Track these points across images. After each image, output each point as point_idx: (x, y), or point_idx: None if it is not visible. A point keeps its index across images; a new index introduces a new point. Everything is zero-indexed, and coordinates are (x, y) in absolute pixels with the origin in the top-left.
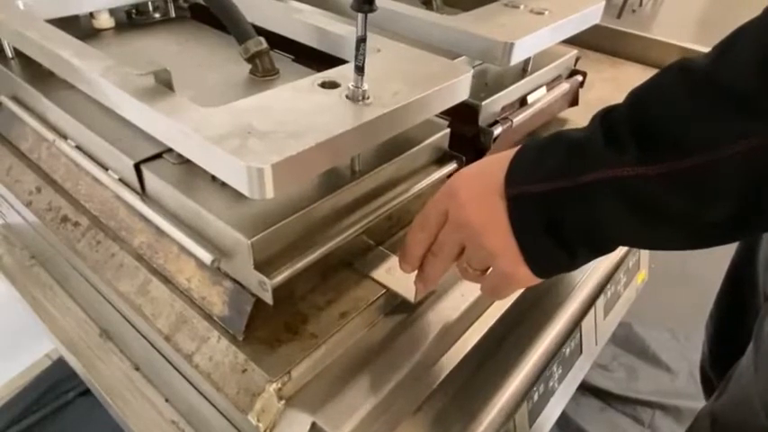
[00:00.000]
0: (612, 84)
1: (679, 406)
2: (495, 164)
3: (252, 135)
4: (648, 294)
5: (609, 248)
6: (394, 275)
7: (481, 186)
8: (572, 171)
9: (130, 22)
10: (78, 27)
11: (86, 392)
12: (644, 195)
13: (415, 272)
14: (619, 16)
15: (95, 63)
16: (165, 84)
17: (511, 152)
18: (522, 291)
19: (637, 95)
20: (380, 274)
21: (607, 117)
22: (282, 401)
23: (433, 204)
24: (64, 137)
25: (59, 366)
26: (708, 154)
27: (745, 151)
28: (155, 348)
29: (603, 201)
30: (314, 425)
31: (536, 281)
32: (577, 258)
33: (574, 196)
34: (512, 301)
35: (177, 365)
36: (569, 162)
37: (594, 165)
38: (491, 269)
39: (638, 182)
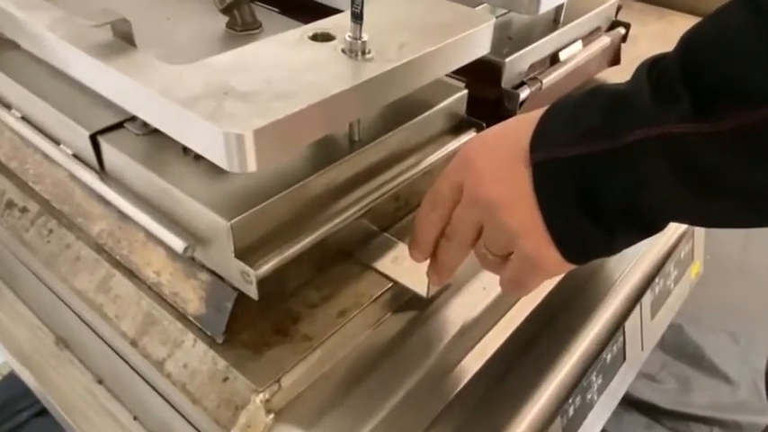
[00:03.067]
0: (660, 39)
1: (740, 422)
2: (520, 125)
3: (229, 96)
4: (704, 291)
5: (656, 226)
6: (402, 266)
7: (502, 152)
8: (612, 130)
9: None
10: None
11: (42, 412)
12: (701, 157)
13: (428, 261)
14: None
15: (41, 14)
16: (124, 37)
17: (539, 112)
18: (552, 284)
19: (690, 39)
20: (385, 264)
21: (655, 66)
22: (271, 415)
23: (445, 177)
24: (7, 106)
25: (11, 382)
26: None
27: None
28: (120, 356)
29: (651, 164)
30: None
31: (567, 268)
32: (617, 239)
33: (614, 160)
34: (542, 297)
35: (146, 376)
36: (609, 120)
37: (640, 121)
38: (513, 254)
39: (694, 140)
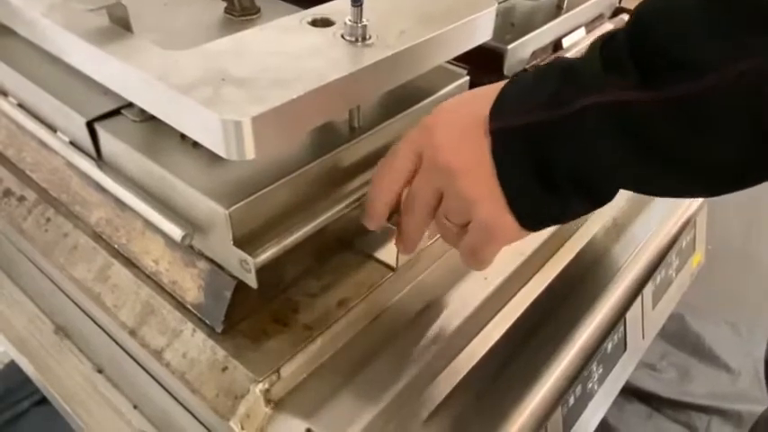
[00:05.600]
0: None
1: (740, 411)
2: (482, 96)
3: (227, 82)
4: (705, 280)
5: (605, 194)
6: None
7: (463, 121)
8: (564, 98)
9: None
10: None
11: (43, 401)
12: (646, 125)
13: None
14: None
15: (37, 0)
16: (120, 22)
17: (499, 84)
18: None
19: (639, 12)
20: (361, 240)
21: (608, 41)
22: (270, 405)
23: (402, 146)
24: (3, 93)
25: (11, 371)
26: (718, 76)
27: (759, 71)
28: (119, 345)
29: (598, 131)
30: None
31: (521, 235)
32: (569, 206)
33: (565, 127)
34: (543, 287)
35: (146, 365)
36: (561, 89)
37: (589, 89)
38: (471, 223)
39: (639, 108)
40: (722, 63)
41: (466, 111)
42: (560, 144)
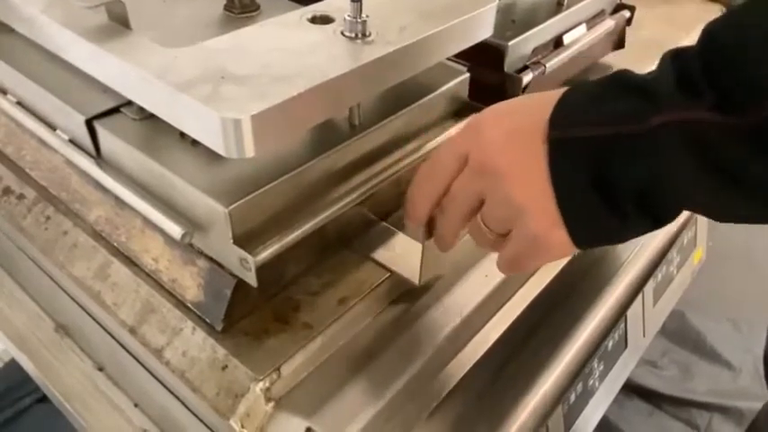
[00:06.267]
0: (666, 22)
1: (741, 408)
2: (538, 101)
3: (226, 80)
4: (706, 277)
5: (668, 214)
6: (395, 252)
7: (517, 125)
8: (637, 114)
9: None
10: None
11: (44, 399)
12: (723, 148)
13: (419, 250)
14: None
15: None
16: (119, 20)
17: (556, 92)
18: (554, 271)
19: (711, 33)
20: (379, 252)
21: (678, 58)
22: (271, 403)
23: (448, 146)
24: (2, 91)
25: (11, 369)
26: None
27: None
28: (119, 344)
29: (674, 150)
30: (309, 430)
31: (570, 251)
32: (628, 225)
33: (636, 143)
34: (544, 284)
35: (146, 363)
36: (633, 104)
37: (665, 107)
38: (514, 231)
39: (716, 131)
40: None
41: (521, 114)
42: (629, 160)
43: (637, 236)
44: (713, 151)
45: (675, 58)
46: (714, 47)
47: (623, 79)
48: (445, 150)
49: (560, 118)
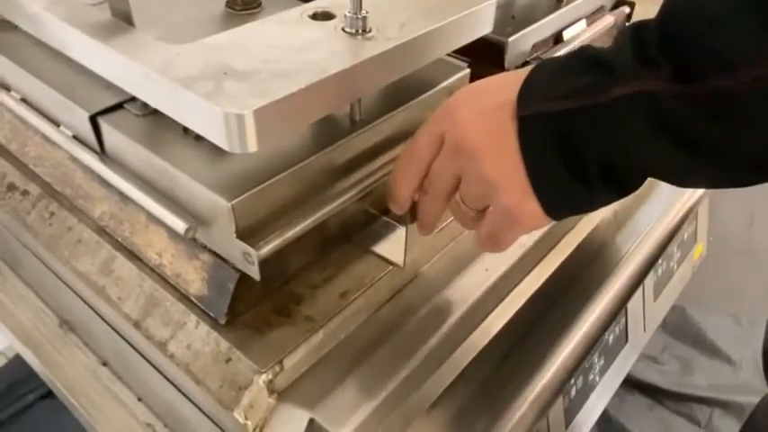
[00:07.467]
0: None
1: (742, 403)
2: (506, 81)
3: (229, 76)
4: (706, 272)
5: (633, 182)
6: (380, 237)
7: (487, 104)
8: (597, 87)
9: None
10: None
11: (49, 394)
12: (680, 116)
13: (403, 233)
14: None
15: None
16: (122, 17)
17: (524, 70)
18: (554, 266)
19: (669, 5)
20: (365, 235)
21: (639, 30)
22: (274, 395)
23: (425, 129)
24: (6, 88)
25: (16, 365)
26: (753, 71)
27: None
28: (123, 338)
29: (633, 120)
30: (311, 422)
31: (543, 222)
32: (597, 194)
33: (598, 115)
34: (544, 278)
35: (150, 357)
36: (593, 77)
37: (624, 79)
38: (491, 208)
39: (673, 100)
40: (755, 59)
41: (490, 94)
42: (593, 132)
43: (605, 204)
44: (671, 120)
45: (635, 32)
46: (671, 19)
47: (586, 54)
48: (422, 133)
49: (527, 95)
